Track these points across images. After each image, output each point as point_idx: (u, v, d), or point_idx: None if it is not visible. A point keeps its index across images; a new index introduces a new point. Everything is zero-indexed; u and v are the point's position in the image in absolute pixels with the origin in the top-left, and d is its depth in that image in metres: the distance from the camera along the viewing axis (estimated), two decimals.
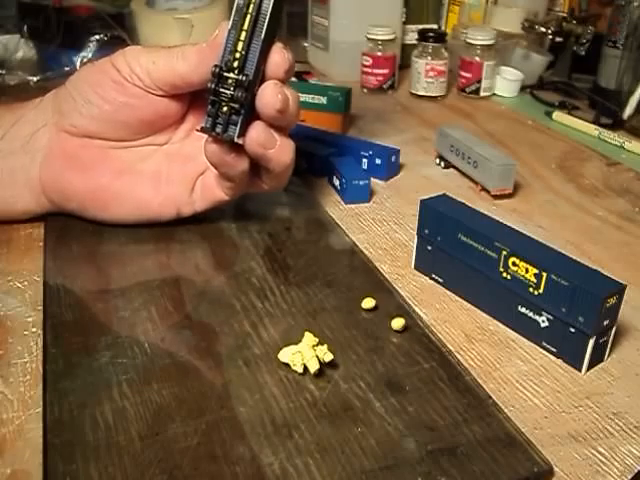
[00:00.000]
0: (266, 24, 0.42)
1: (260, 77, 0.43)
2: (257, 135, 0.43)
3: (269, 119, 0.43)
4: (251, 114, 0.43)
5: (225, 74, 0.42)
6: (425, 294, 0.44)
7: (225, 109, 0.42)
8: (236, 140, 0.43)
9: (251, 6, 0.42)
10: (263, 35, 0.42)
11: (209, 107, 0.43)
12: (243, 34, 0.42)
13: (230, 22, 0.43)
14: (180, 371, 0.36)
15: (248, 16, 0.42)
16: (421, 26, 0.95)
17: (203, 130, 0.43)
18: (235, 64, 0.42)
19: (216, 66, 0.42)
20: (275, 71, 0.43)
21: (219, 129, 0.43)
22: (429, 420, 0.33)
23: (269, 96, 0.42)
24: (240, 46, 0.42)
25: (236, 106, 0.42)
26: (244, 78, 0.42)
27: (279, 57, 0.43)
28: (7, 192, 0.48)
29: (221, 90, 0.42)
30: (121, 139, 0.47)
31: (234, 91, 0.42)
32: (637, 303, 0.44)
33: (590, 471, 0.31)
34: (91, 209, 0.48)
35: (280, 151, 0.44)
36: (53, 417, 0.32)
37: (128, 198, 0.48)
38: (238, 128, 0.43)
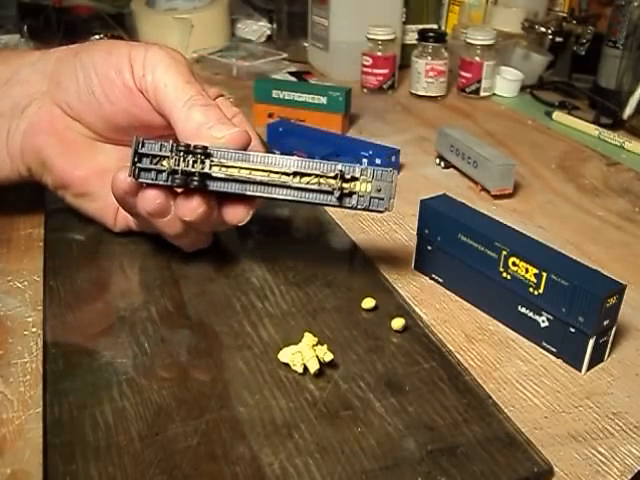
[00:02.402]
0: (267, 196, 0.39)
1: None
2: (147, 202, 0.40)
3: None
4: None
5: (193, 161, 0.38)
6: (425, 294, 0.44)
7: (164, 164, 0.38)
8: (137, 181, 0.39)
9: (276, 175, 0.38)
10: (253, 194, 0.39)
11: (158, 150, 0.39)
12: (244, 172, 0.38)
13: (256, 153, 0.39)
14: (180, 371, 0.36)
15: (264, 175, 0.38)
16: (421, 26, 0.95)
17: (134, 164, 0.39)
18: (208, 169, 0.38)
19: (205, 149, 0.38)
20: (229, 219, 0.40)
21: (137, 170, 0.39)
22: (429, 420, 0.33)
23: (187, 208, 0.39)
24: (230, 172, 0.38)
25: (164, 180, 0.38)
26: (195, 183, 0.38)
27: (242, 214, 0.40)
28: None
29: (174, 159, 0.38)
30: (112, 138, 0.45)
31: (177, 175, 0.38)
32: (637, 303, 0.44)
33: (590, 471, 0.31)
34: (62, 191, 0.46)
35: (168, 225, 0.41)
36: (53, 417, 0.32)
37: (102, 197, 0.45)
38: (148, 181, 0.39)
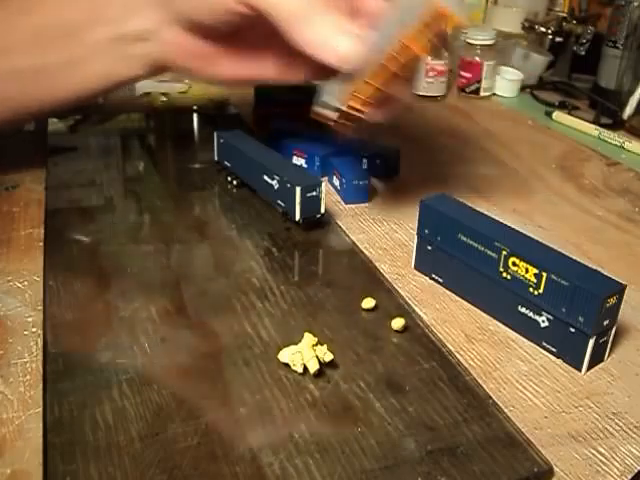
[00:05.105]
0: None
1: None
2: None
3: None
4: None
5: None
6: (425, 294, 0.44)
7: None
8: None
9: None
10: None
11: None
12: None
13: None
14: (180, 371, 0.36)
15: None
16: None
17: None
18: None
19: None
20: None
21: None
22: (429, 420, 0.33)
23: None
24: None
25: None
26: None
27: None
28: (127, 72, 0.50)
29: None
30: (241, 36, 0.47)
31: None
32: (637, 303, 0.44)
33: (590, 471, 0.31)
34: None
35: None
36: (53, 417, 0.32)
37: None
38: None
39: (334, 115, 0.45)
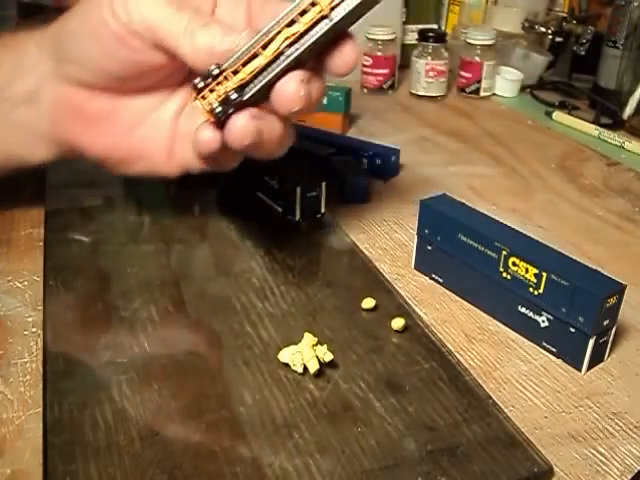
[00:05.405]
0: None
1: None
2: (243, 129, 0.37)
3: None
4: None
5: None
6: (425, 294, 0.44)
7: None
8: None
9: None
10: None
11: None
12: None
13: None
14: (180, 371, 0.36)
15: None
16: (421, 26, 0.95)
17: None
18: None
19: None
20: (279, 104, 0.36)
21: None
22: (429, 420, 0.33)
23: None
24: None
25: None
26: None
27: (290, 90, 0.36)
28: (20, 148, 0.45)
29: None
30: (131, 91, 0.43)
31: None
32: (637, 303, 0.44)
33: (590, 471, 0.31)
34: (107, 165, 0.45)
35: (269, 132, 0.38)
36: (53, 417, 0.32)
37: (143, 155, 0.44)
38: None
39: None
